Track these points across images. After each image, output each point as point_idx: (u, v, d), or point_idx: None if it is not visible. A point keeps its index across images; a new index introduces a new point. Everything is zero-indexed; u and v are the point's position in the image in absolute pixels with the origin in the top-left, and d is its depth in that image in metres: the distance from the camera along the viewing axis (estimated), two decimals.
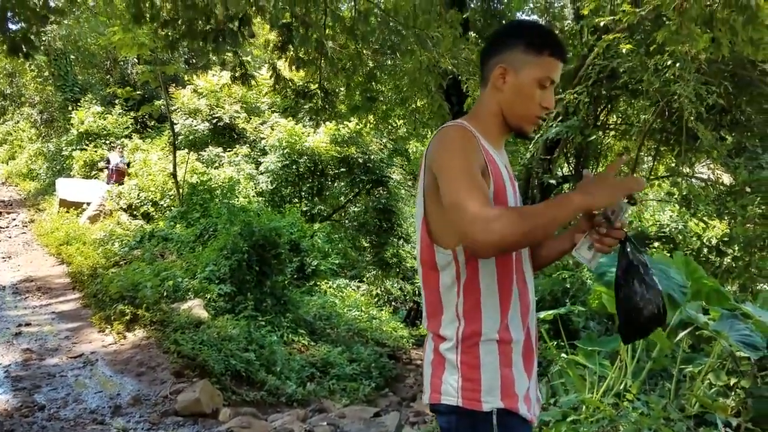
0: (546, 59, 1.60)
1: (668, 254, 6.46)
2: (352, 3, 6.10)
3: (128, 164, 13.79)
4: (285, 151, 14.11)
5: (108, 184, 13.39)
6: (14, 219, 13.46)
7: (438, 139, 1.60)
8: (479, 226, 1.38)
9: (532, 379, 1.64)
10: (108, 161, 13.77)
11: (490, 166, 1.56)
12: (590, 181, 1.49)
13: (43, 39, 16.34)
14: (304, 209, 14.05)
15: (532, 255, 1.77)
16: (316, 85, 6.57)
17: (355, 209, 16.33)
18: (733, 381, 4.03)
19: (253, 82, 9.17)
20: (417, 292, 15.44)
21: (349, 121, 12.72)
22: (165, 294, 7.68)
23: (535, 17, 9.41)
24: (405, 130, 12.25)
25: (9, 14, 5.14)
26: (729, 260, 7.97)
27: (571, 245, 1.69)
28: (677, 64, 6.26)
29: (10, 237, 12.01)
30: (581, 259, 1.65)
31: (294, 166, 14.27)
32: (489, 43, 1.71)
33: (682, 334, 4.28)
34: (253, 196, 13.58)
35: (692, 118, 6.40)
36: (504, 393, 1.53)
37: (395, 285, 15.35)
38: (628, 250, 1.61)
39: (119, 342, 6.75)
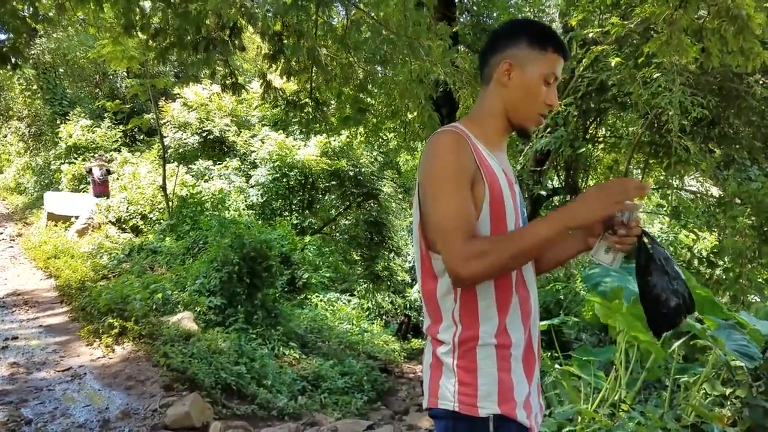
0: (550, 55, 1.60)
1: None
2: (344, 12, 6.14)
3: (108, 171, 13.43)
4: (275, 164, 14.10)
5: (94, 195, 13.25)
6: (1, 233, 13.31)
7: (427, 148, 1.58)
8: (462, 262, 1.43)
9: (533, 385, 1.61)
10: (90, 171, 13.59)
11: (483, 170, 1.54)
12: (589, 194, 1.47)
13: (32, 52, 16.29)
14: (295, 222, 14.01)
15: (538, 258, 1.75)
16: (307, 96, 6.57)
17: (346, 222, 16.32)
18: (728, 391, 4.02)
19: (243, 95, 9.20)
20: (408, 305, 15.41)
21: (340, 134, 12.74)
22: (154, 307, 7.58)
23: None
24: (396, 143, 12.27)
25: None
26: (720, 272, 8.00)
27: (585, 247, 1.68)
28: (664, 76, 6.32)
29: None
30: (601, 262, 1.63)
31: (284, 179, 14.26)
32: (490, 40, 1.69)
33: (675, 345, 4.28)
34: (244, 209, 13.53)
35: (677, 130, 6.44)
36: (501, 398, 1.50)
37: (386, 298, 15.30)
38: (647, 243, 1.60)
39: (108, 355, 6.65)
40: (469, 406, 1.49)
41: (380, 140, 12.16)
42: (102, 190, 13.10)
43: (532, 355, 1.60)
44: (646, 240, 1.59)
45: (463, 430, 1.51)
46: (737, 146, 8.25)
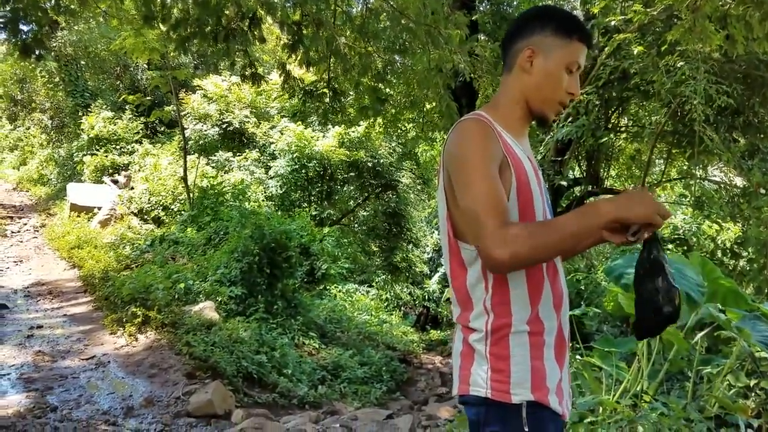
0: (575, 44, 1.59)
1: (685, 255, 6.41)
2: (362, 1, 6.12)
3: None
4: (294, 156, 14.13)
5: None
6: (25, 224, 13.52)
7: (454, 134, 1.57)
8: (498, 246, 1.38)
9: (564, 371, 1.59)
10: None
11: (510, 158, 1.53)
12: (628, 195, 1.42)
13: (54, 45, 16.45)
14: (314, 213, 14.04)
15: None
16: (325, 85, 6.56)
17: (365, 213, 16.32)
18: (753, 382, 3.97)
19: (262, 87, 9.22)
20: (427, 297, 15.42)
21: (358, 125, 12.73)
22: (176, 296, 7.68)
23: None
24: (414, 133, 12.24)
25: (21, 15, 5.16)
26: (744, 263, 7.90)
27: (600, 239, 1.65)
28: (688, 65, 6.22)
29: (21, 241, 12.06)
30: None
31: (303, 171, 14.28)
32: (515, 26, 1.67)
33: (699, 335, 4.24)
34: (263, 200, 13.59)
35: (702, 119, 6.34)
36: (534, 385, 1.49)
37: (405, 290, 15.32)
38: (654, 247, 1.57)
39: (131, 344, 6.75)
40: (501, 392, 1.48)
41: (398, 131, 12.13)
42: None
43: (563, 340, 1.59)
44: (654, 244, 1.56)
45: (496, 416, 1.50)
46: (762, 135, 8.11)
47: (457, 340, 1.62)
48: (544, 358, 1.53)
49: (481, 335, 1.54)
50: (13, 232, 12.64)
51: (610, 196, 1.53)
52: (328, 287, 11.06)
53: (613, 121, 9.15)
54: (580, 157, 9.51)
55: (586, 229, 1.41)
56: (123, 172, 13.70)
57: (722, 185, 8.77)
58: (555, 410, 1.51)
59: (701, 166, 8.50)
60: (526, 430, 1.46)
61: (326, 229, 12.72)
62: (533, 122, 1.69)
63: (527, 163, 1.58)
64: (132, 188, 13.87)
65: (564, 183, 8.37)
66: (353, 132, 14.13)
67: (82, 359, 6.33)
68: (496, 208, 1.43)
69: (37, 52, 5.47)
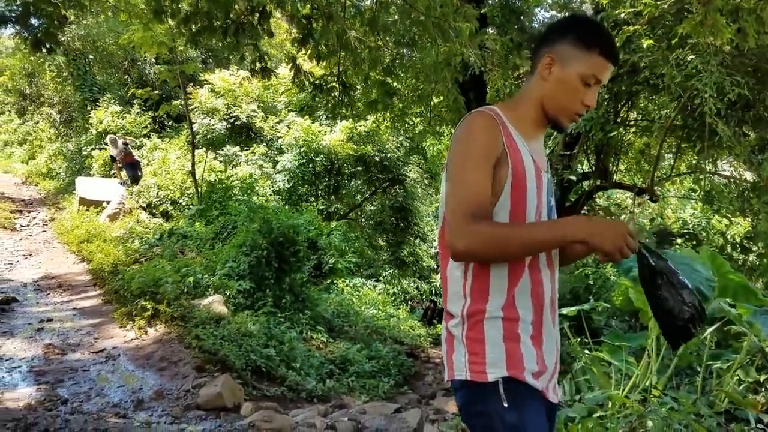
0: (594, 57, 1.61)
1: (694, 249, 6.39)
2: None
3: (126, 144, 13.53)
4: (302, 150, 14.14)
5: (121, 182, 13.43)
6: (35, 218, 13.60)
7: (458, 128, 1.65)
8: (461, 238, 1.50)
9: (548, 361, 1.64)
10: (113, 159, 13.75)
11: (510, 153, 1.59)
12: (603, 225, 1.51)
13: (62, 39, 16.50)
14: (321, 208, 14.06)
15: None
16: (335, 79, 6.56)
17: (372, 208, 16.33)
18: (763, 377, 3.97)
19: (270, 81, 9.22)
20: (434, 291, 15.42)
21: (366, 119, 12.71)
22: (185, 290, 7.71)
23: (553, 12, 9.32)
24: (422, 127, 12.22)
25: (32, 10, 5.18)
26: (753, 257, 7.88)
27: (589, 252, 1.72)
28: (699, 58, 6.17)
29: (30, 235, 12.13)
30: None
31: (310, 165, 14.29)
32: (543, 33, 1.74)
33: (708, 330, 4.23)
34: (270, 195, 13.62)
35: (713, 113, 6.30)
36: (510, 364, 1.55)
37: (412, 284, 15.32)
38: (647, 257, 1.61)
39: (141, 337, 6.78)
40: (478, 373, 1.56)
41: (406, 125, 12.10)
42: (129, 159, 13.30)
43: (541, 332, 1.63)
44: (646, 254, 1.61)
45: (476, 396, 1.57)
46: None
47: (443, 327, 1.69)
48: (520, 342, 1.58)
49: (457, 320, 1.62)
50: (22, 226, 12.71)
51: (588, 217, 1.61)
52: (335, 281, 11.08)
53: (622, 115, 9.10)
54: (588, 151, 9.47)
55: (552, 243, 1.54)
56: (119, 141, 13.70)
57: (732, 179, 8.72)
58: (532, 385, 1.56)
59: (711, 160, 8.46)
60: (506, 405, 1.52)
61: (333, 224, 12.74)
62: (549, 127, 1.74)
63: (529, 162, 1.63)
64: (146, 163, 13.98)
65: (573, 177, 8.33)
66: (361, 126, 14.12)
67: (92, 352, 6.36)
68: (472, 200, 1.53)
69: (47, 46, 5.49)
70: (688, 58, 6.39)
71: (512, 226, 1.56)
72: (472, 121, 1.61)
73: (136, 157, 13.76)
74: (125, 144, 13.45)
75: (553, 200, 1.75)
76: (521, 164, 1.60)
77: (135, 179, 13.17)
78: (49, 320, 7.25)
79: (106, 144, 14.00)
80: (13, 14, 5.19)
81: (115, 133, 14.45)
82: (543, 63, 1.66)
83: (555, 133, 7.81)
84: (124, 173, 13.56)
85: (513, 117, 1.66)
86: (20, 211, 13.93)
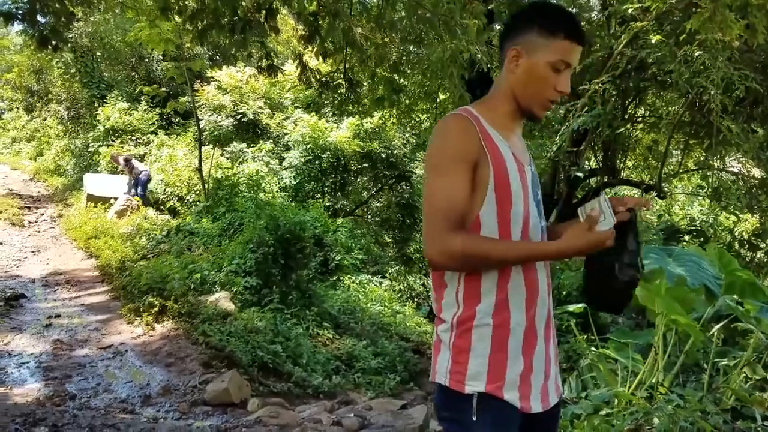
0: (560, 42, 1.59)
1: (701, 247, 6.36)
2: None
3: (127, 160, 12.93)
4: (308, 147, 14.14)
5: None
6: (43, 214, 13.67)
7: (434, 131, 1.64)
8: (437, 253, 1.51)
9: (536, 364, 1.62)
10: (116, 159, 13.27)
11: (489, 153, 1.57)
12: (571, 234, 1.52)
13: (70, 36, 16.55)
14: (327, 204, 14.06)
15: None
16: (341, 76, 6.56)
17: (378, 204, 16.32)
18: None
19: (276, 78, 9.23)
20: None
21: (372, 116, 12.72)
22: (192, 286, 7.74)
23: None
24: (428, 124, 12.21)
25: (39, 7, 5.20)
26: (761, 254, 7.84)
27: None
28: (706, 54, 6.13)
29: (39, 231, 12.20)
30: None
31: (317, 162, 14.29)
32: (505, 26, 1.71)
33: (715, 327, 4.22)
34: (277, 191, 13.63)
35: (719, 110, 6.26)
36: (490, 378, 1.55)
37: (418, 281, 15.31)
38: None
39: (148, 333, 6.82)
40: (457, 383, 1.56)
41: (413, 121, 12.10)
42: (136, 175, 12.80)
43: (534, 334, 1.62)
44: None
45: (450, 402, 1.59)
46: None
47: (434, 331, 1.70)
48: (508, 350, 1.57)
49: (447, 326, 1.62)
50: (30, 222, 12.78)
51: (570, 235, 1.57)
52: (341, 278, 11.08)
53: (629, 111, 9.07)
54: (596, 148, 9.44)
55: (531, 258, 1.57)
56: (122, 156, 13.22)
57: (740, 176, 8.68)
58: (509, 402, 1.56)
59: (719, 156, 8.42)
60: (474, 419, 1.53)
61: (340, 221, 12.74)
62: (525, 118, 1.72)
63: (510, 159, 1.61)
64: (153, 160, 13.77)
65: (580, 174, 8.31)
66: (367, 123, 14.11)
67: (100, 348, 6.40)
68: (449, 210, 1.53)
69: (54, 43, 5.52)
70: (696, 54, 6.35)
71: (486, 242, 1.54)
72: (446, 124, 1.60)
73: (141, 168, 13.00)
74: (126, 160, 12.88)
75: (539, 193, 1.73)
76: (502, 163, 1.58)
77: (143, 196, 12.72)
78: (57, 316, 7.30)
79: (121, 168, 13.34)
80: (20, 11, 5.21)
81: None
82: (509, 57, 1.63)
83: (562, 129, 7.77)
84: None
85: (489, 115, 1.64)
86: (28, 208, 14.01)
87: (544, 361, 1.64)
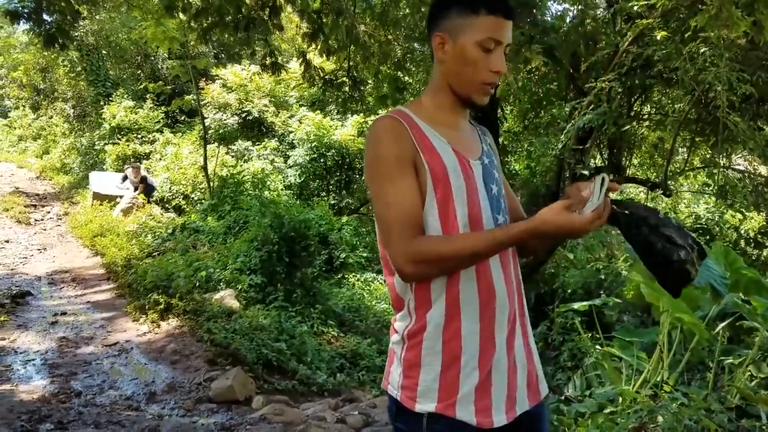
0: (483, 18, 1.49)
1: (707, 245, 6.34)
2: None
3: (145, 179, 12.77)
4: (313, 145, 14.15)
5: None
6: (49, 212, 13.73)
7: (366, 137, 1.56)
8: (405, 262, 1.43)
9: (496, 376, 1.53)
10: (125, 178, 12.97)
11: (423, 153, 1.49)
12: (548, 230, 1.39)
13: (76, 34, 16.59)
14: (332, 202, 14.07)
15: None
16: (345, 74, 6.56)
17: None
18: None
19: (281, 76, 9.24)
20: None
21: (377, 113, 12.70)
22: (197, 284, 7.76)
23: (566, 5, 9.24)
24: None
25: (45, 6, 5.22)
26: (767, 253, 7.81)
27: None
28: (711, 51, 6.10)
29: (45, 229, 12.26)
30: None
31: (322, 160, 14.30)
32: (429, 15, 1.61)
33: (721, 326, 4.20)
34: (282, 190, 13.65)
35: (725, 107, 6.23)
36: (441, 396, 1.48)
37: None
38: (618, 214, 1.47)
39: (153, 331, 6.84)
40: (408, 399, 1.51)
41: None
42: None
43: (493, 347, 1.52)
44: (617, 210, 1.47)
45: (401, 416, 1.54)
46: None
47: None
48: (461, 365, 1.49)
49: (398, 338, 1.56)
50: (36, 220, 12.84)
51: (544, 217, 1.41)
52: (346, 276, 11.08)
53: (635, 109, 9.03)
54: (601, 146, 9.40)
55: (502, 243, 1.44)
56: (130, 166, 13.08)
57: (746, 174, 8.65)
58: (462, 420, 1.49)
59: (725, 154, 8.37)
60: None
61: (345, 218, 12.74)
62: (467, 107, 1.62)
63: (449, 157, 1.52)
64: (159, 158, 13.66)
65: (585, 172, 8.28)
66: (371, 121, 14.10)
67: (106, 345, 6.43)
68: (404, 219, 1.45)
69: (60, 42, 5.54)
70: (701, 51, 6.32)
71: (447, 240, 1.46)
72: (375, 130, 1.51)
73: (144, 174, 12.88)
74: (143, 178, 12.70)
75: (496, 187, 1.61)
76: (439, 162, 1.50)
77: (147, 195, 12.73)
78: (63, 314, 7.33)
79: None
80: (26, 10, 5.23)
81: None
82: (435, 46, 1.55)
83: (567, 127, 7.75)
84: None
85: (425, 111, 1.57)
86: (34, 206, 14.07)
87: (507, 371, 1.55)
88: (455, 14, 1.51)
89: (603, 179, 1.42)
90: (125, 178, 12.83)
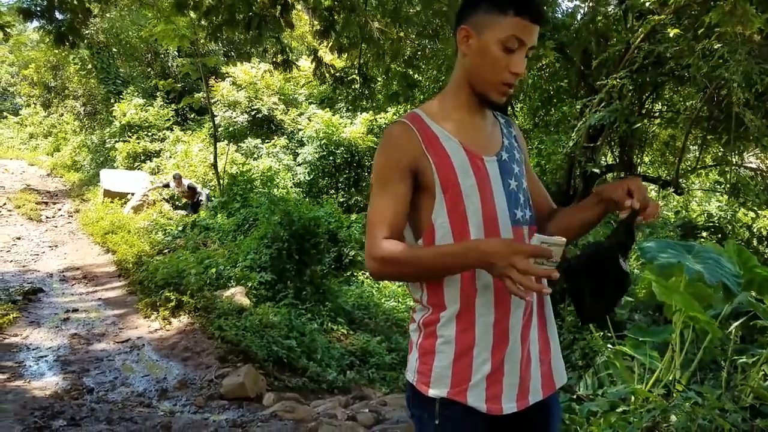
0: (510, 19, 1.49)
1: (719, 243, 6.30)
2: None
3: (192, 188, 12.27)
4: (322, 142, 14.18)
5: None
6: (60, 209, 13.82)
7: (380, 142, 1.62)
8: (372, 261, 1.51)
9: (508, 366, 1.55)
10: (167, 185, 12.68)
11: (431, 155, 1.52)
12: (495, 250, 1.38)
13: (86, 32, 16.67)
14: (341, 200, 14.09)
15: (541, 228, 1.69)
16: (355, 71, 6.55)
17: None
18: None
19: (291, 73, 9.25)
20: None
21: (386, 111, 12.70)
22: (208, 281, 7.78)
23: (577, 2, 9.21)
24: None
25: (56, 4, 5.24)
26: None
27: (599, 215, 1.63)
28: (726, 48, 6.05)
29: (56, 226, 12.33)
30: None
31: (331, 157, 14.32)
32: (459, 10, 1.61)
33: (734, 325, 4.17)
34: (291, 187, 13.68)
35: (741, 103, 6.18)
36: (454, 383, 1.52)
37: None
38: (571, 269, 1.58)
39: (165, 327, 6.86)
40: (422, 384, 1.55)
41: None
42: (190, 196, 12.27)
43: (507, 339, 1.54)
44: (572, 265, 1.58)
45: (416, 400, 1.58)
46: None
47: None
48: (474, 354, 1.52)
49: (415, 326, 1.61)
50: (48, 218, 12.92)
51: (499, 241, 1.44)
52: (355, 273, 11.09)
53: (647, 106, 8.98)
54: (613, 143, 9.36)
55: (457, 267, 1.47)
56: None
57: (758, 172, 8.58)
58: (473, 407, 1.52)
59: (737, 152, 8.32)
60: (436, 422, 1.53)
61: (354, 216, 12.75)
62: (485, 106, 1.62)
63: (459, 156, 1.54)
64: (169, 156, 13.65)
65: (596, 170, 8.24)
66: (381, 118, 14.11)
67: (117, 342, 6.46)
68: (380, 221, 1.52)
69: (71, 40, 5.56)
70: (715, 47, 6.27)
71: (414, 250, 1.50)
72: (385, 135, 1.58)
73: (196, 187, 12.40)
74: (191, 187, 12.24)
75: (515, 182, 1.60)
76: (448, 163, 1.52)
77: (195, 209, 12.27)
78: (75, 310, 7.37)
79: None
80: (38, 8, 5.25)
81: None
82: (460, 38, 1.55)
83: (579, 125, 7.71)
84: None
85: (439, 113, 1.59)
86: (46, 203, 14.17)
87: (520, 362, 1.56)
88: (483, 11, 1.52)
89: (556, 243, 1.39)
90: (167, 185, 12.62)
